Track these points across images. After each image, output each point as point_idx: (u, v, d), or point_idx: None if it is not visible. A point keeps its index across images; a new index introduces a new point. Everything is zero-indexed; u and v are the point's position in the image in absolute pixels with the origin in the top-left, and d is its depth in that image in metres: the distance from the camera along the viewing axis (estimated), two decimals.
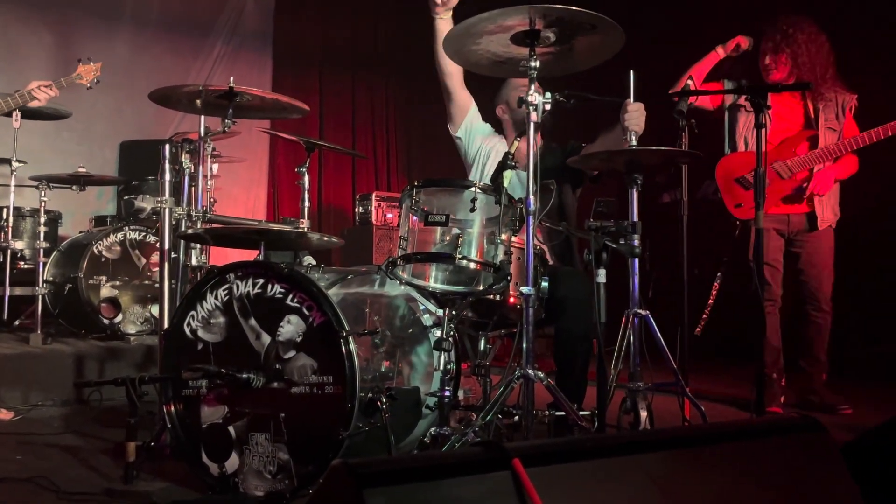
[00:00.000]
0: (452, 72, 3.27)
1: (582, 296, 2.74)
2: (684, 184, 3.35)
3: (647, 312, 2.87)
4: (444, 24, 3.10)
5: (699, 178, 5.12)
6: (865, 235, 4.89)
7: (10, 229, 4.37)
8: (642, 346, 2.89)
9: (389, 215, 5.73)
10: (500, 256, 2.43)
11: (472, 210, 2.41)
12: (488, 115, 3.50)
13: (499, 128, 3.46)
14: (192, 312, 2.54)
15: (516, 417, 2.61)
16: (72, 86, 3.45)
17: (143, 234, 4.54)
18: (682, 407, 2.98)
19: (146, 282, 4.49)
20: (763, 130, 2.58)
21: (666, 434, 1.22)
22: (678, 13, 6.21)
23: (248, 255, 2.76)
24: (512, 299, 2.60)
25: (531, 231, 2.43)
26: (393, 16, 7.49)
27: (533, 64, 2.48)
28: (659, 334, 2.88)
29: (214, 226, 3.27)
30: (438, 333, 2.46)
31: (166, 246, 3.11)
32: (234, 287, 2.47)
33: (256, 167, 6.71)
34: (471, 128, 3.40)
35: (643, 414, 2.78)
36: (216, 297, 2.50)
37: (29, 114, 4.04)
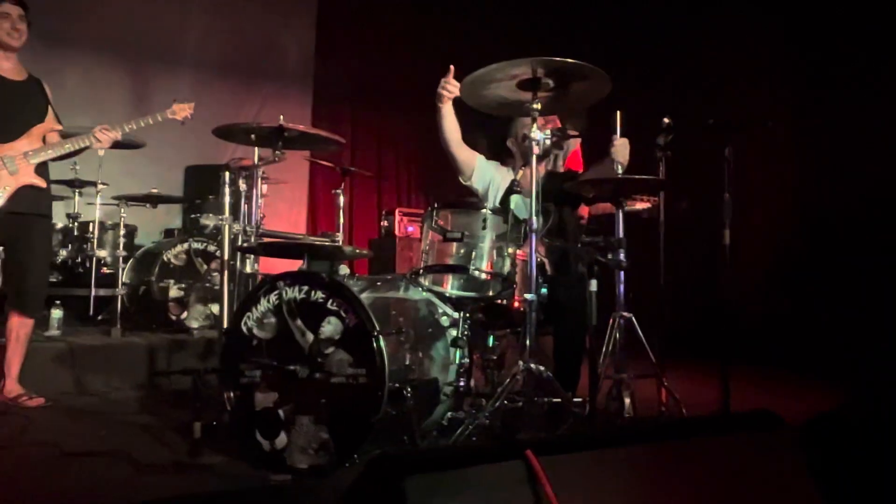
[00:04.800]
0: (455, 140, 3.17)
1: (577, 302, 2.70)
2: (661, 204, 3.34)
3: (631, 315, 2.87)
4: (446, 108, 3.02)
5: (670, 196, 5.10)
6: None
7: (96, 240, 4.41)
8: (627, 343, 2.88)
9: (410, 228, 5.73)
10: (507, 268, 2.44)
11: (484, 228, 2.42)
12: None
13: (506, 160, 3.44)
14: (248, 313, 2.55)
15: (520, 403, 2.60)
16: (166, 121, 3.48)
17: (205, 244, 4.54)
18: (660, 395, 2.97)
19: (207, 284, 4.50)
20: (726, 163, 2.57)
21: (649, 427, 1.22)
22: (661, 61, 6.21)
23: (293, 263, 2.77)
24: (516, 304, 2.60)
25: (534, 246, 2.44)
26: (413, 55, 7.48)
27: (535, 105, 2.49)
28: (641, 333, 2.88)
29: (266, 240, 3.29)
30: (455, 332, 2.46)
31: (226, 256, 3.12)
32: (284, 293, 2.48)
33: (298, 188, 6.72)
34: (482, 172, 3.30)
35: (627, 401, 2.78)
36: (268, 301, 2.51)
37: (113, 144, 4.06)
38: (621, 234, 2.82)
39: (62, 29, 5.41)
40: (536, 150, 2.48)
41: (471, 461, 0.99)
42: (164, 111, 3.47)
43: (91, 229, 4.43)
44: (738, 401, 2.84)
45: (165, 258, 4.40)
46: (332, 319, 2.37)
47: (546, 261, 3.06)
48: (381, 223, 5.95)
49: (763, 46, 5.59)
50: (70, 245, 4.54)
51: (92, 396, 3.56)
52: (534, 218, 2.43)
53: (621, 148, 2.86)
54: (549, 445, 1.02)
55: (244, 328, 2.55)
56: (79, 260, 4.49)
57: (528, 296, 2.42)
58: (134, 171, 5.47)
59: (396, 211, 5.88)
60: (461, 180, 3.37)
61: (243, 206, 3.37)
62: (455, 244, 2.45)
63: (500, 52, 2.52)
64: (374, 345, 2.26)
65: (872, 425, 1.36)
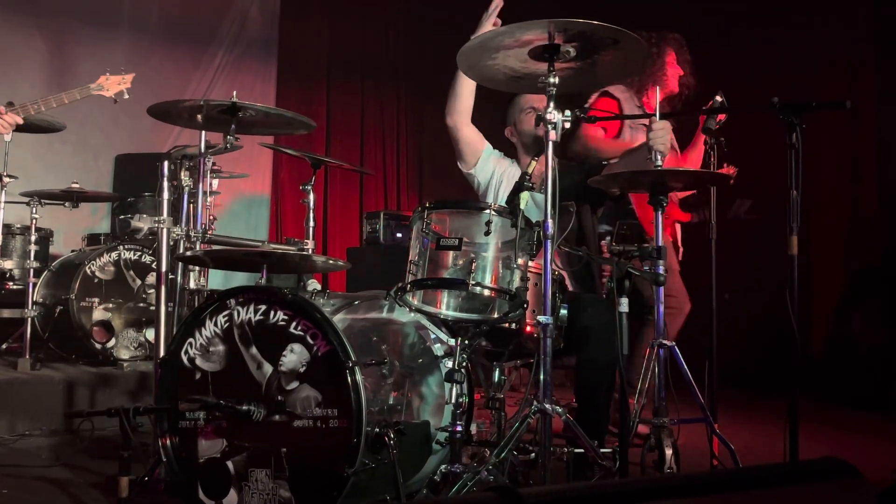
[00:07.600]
0: (467, 110, 3.28)
1: (605, 324, 2.71)
2: (713, 204, 3.36)
3: (674, 343, 2.87)
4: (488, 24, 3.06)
5: (730, 196, 5.14)
6: None
7: (0, 248, 4.41)
8: (668, 379, 2.89)
9: (399, 234, 5.75)
10: (517, 283, 2.44)
11: (487, 233, 2.43)
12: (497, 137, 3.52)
13: (508, 151, 3.47)
14: (191, 340, 2.56)
15: (533, 454, 2.61)
16: (87, 98, 3.42)
17: (139, 253, 4.56)
18: (711, 444, 2.97)
19: (141, 304, 4.51)
20: (794, 152, 2.58)
21: (693, 479, 1.22)
22: (707, 28, 6.25)
23: (250, 278, 2.78)
24: (529, 328, 2.60)
25: (549, 256, 2.44)
26: (404, 22, 7.54)
27: (552, 80, 2.49)
28: (685, 366, 2.88)
29: (214, 247, 3.30)
30: (450, 364, 2.47)
31: (164, 268, 3.13)
32: (235, 313, 2.50)
33: (259, 183, 6.76)
34: (486, 163, 3.38)
35: (668, 452, 2.78)
36: (216, 324, 2.53)
37: (21, 126, 4.07)
38: (661, 242, 2.83)
39: None
40: (553, 135, 2.49)
41: None
42: (88, 85, 3.45)
43: None
44: (809, 450, 2.84)
45: (88, 271, 4.41)
46: (297, 347, 2.39)
47: (566, 274, 3.07)
48: (363, 228, 5.98)
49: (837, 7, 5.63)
50: None
51: None
52: (549, 220, 2.44)
53: (661, 133, 2.86)
54: (558, 501, 1.02)
55: (185, 358, 2.56)
56: None
57: (542, 318, 2.43)
58: (50, 161, 5.50)
59: (382, 213, 5.90)
60: (461, 167, 3.42)
61: (187, 206, 3.38)
62: (451, 253, 2.45)
63: (510, 13, 2.53)
64: (349, 379, 2.27)
65: None
